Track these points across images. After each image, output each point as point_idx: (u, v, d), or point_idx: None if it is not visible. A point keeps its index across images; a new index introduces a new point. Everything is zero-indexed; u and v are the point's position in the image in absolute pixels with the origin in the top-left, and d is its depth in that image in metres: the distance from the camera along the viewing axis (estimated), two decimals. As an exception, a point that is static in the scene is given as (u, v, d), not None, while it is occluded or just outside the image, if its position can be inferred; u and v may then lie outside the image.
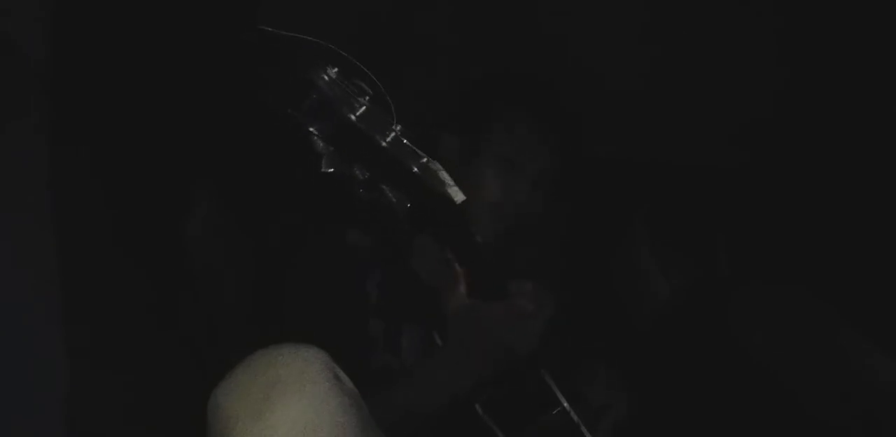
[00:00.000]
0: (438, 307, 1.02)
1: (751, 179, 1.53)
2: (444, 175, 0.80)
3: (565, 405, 1.08)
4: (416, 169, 0.76)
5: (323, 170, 0.74)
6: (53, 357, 1.11)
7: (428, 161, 0.77)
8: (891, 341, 1.19)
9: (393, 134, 0.74)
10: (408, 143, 0.76)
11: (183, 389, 1.10)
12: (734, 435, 1.26)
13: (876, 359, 1.20)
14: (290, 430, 0.70)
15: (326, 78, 0.71)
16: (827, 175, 1.47)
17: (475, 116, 1.30)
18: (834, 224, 1.42)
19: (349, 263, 1.19)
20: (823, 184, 1.47)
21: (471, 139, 1.28)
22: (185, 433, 0.83)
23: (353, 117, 0.71)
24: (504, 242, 1.23)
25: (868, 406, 1.17)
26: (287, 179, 1.35)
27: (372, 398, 0.82)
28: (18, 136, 1.13)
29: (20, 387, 1.08)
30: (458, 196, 0.81)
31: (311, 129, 0.72)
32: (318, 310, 1.17)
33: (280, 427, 0.71)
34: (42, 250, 1.13)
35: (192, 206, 1.31)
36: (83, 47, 1.21)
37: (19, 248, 1.12)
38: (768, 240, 1.49)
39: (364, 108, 0.72)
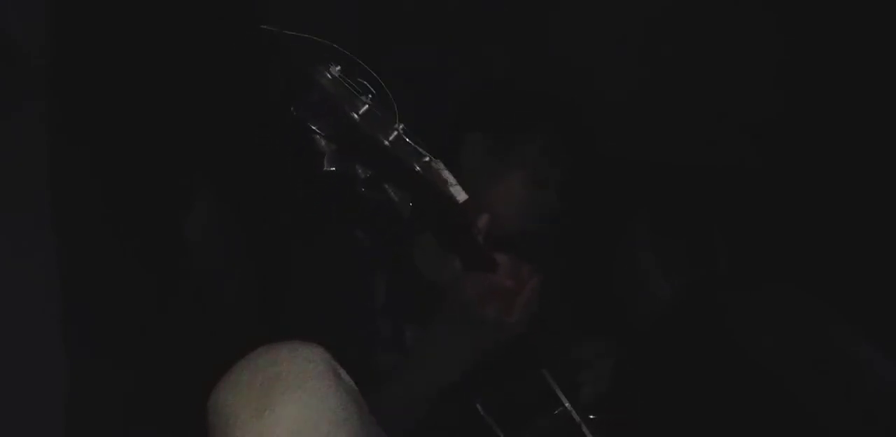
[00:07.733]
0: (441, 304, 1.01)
1: (751, 178, 1.53)
2: (447, 174, 0.79)
3: (566, 404, 1.08)
4: (418, 168, 0.75)
5: (325, 169, 0.74)
6: (53, 357, 1.11)
7: (431, 160, 0.76)
8: (891, 341, 1.20)
9: (395, 133, 0.74)
10: (410, 142, 0.75)
11: (183, 388, 1.10)
12: (734, 435, 1.26)
13: (876, 359, 1.20)
14: (290, 427, 0.70)
15: (329, 76, 0.70)
16: (827, 175, 1.47)
17: (504, 123, 1.30)
18: (834, 224, 1.42)
19: (353, 261, 1.19)
20: (823, 183, 1.47)
21: (499, 143, 1.28)
22: (186, 431, 0.83)
23: (355, 116, 0.71)
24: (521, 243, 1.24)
25: (868, 406, 1.17)
26: (287, 178, 1.36)
27: (373, 395, 0.82)
28: (18, 135, 1.13)
29: (20, 387, 1.08)
30: (461, 195, 0.80)
31: (312, 126, 0.72)
32: (321, 308, 1.17)
33: (280, 425, 0.71)
34: (42, 249, 1.13)
35: (192, 206, 1.31)
36: (83, 47, 1.21)
37: (19, 248, 1.11)
38: (768, 240, 1.49)
39: (367, 106, 0.71)
